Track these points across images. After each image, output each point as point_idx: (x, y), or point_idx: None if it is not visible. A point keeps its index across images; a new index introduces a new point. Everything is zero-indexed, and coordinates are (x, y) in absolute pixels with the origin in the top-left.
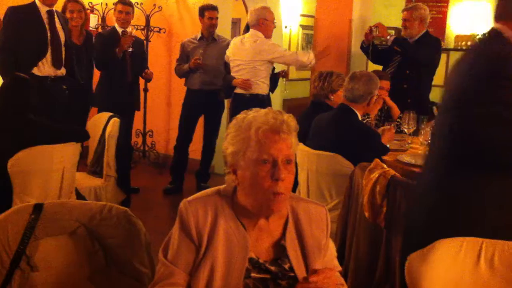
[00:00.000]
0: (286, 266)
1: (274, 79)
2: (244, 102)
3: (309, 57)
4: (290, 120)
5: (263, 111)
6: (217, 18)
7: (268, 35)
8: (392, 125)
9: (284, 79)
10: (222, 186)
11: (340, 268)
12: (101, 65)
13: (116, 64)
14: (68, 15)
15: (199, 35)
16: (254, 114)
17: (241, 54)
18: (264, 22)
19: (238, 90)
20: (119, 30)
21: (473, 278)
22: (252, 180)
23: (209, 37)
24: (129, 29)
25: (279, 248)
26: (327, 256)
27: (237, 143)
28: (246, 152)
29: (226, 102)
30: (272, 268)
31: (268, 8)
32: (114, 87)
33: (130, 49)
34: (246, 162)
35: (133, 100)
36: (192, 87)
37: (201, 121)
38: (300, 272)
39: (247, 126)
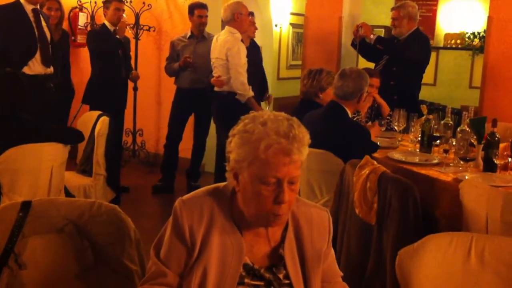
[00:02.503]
0: (281, 275)
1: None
2: (223, 99)
3: (247, 91)
4: (303, 135)
5: (275, 122)
6: (206, 16)
7: (244, 30)
8: (383, 122)
9: (267, 102)
10: (221, 184)
11: (341, 274)
12: (101, 57)
13: (110, 60)
14: (46, 12)
15: (188, 33)
16: (265, 127)
17: (215, 51)
18: (240, 17)
19: (216, 88)
20: (111, 28)
21: (463, 272)
22: (253, 196)
23: (198, 35)
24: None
25: (276, 256)
26: (328, 263)
27: (243, 153)
28: (251, 165)
29: None
30: (267, 275)
31: (241, 2)
32: (107, 84)
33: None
34: (249, 175)
35: (125, 97)
36: (182, 85)
37: (191, 120)
38: (297, 280)
39: (257, 139)
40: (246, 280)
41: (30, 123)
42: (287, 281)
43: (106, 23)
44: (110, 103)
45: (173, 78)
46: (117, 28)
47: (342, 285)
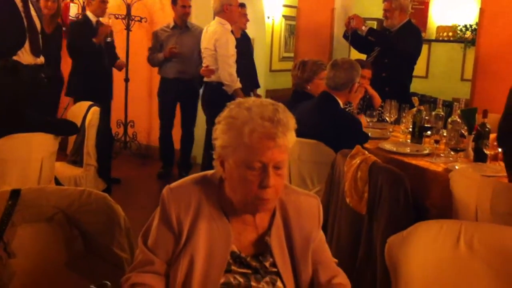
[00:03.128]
0: (267, 263)
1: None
2: (212, 90)
3: (234, 82)
4: (288, 120)
5: (259, 105)
6: (190, 6)
7: (233, 21)
8: (375, 113)
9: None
10: (210, 172)
11: (336, 260)
12: (76, 54)
13: (92, 53)
14: (42, 3)
15: (172, 24)
16: (250, 112)
17: (204, 41)
18: (229, 8)
19: (205, 78)
20: (93, 19)
21: (452, 260)
22: (239, 181)
23: (182, 25)
24: (106, 19)
25: (263, 244)
26: (320, 249)
27: (228, 138)
28: (236, 151)
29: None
30: (253, 263)
31: None
32: (90, 76)
33: (109, 39)
34: (235, 161)
35: (110, 87)
36: (167, 76)
37: (179, 111)
38: (284, 268)
39: (241, 124)
40: (233, 268)
41: (26, 115)
42: (274, 269)
43: (89, 14)
44: (93, 95)
45: None
46: (98, 32)
47: (333, 269)
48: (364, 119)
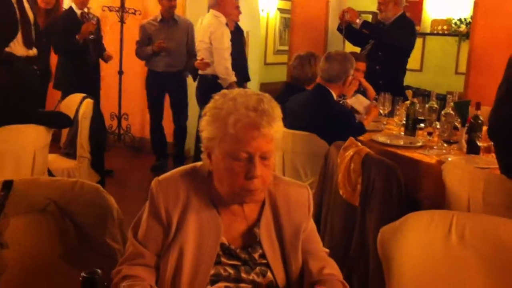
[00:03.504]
0: (257, 255)
1: None
2: (207, 83)
3: (229, 76)
4: (273, 109)
5: (243, 96)
6: None
7: (228, 13)
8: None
9: None
10: (199, 164)
11: (327, 250)
12: (61, 51)
13: (76, 50)
14: None
15: (159, 17)
16: (234, 101)
17: (199, 34)
18: (223, 0)
19: (200, 72)
20: (78, 11)
21: (444, 249)
22: (226, 172)
23: (169, 18)
24: (89, 14)
25: (252, 235)
26: (311, 240)
27: (213, 129)
28: (221, 142)
29: (189, 81)
30: (242, 255)
31: None
32: (76, 69)
33: (92, 37)
34: (221, 152)
35: (97, 80)
36: (155, 69)
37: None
38: (274, 259)
39: (226, 114)
40: (223, 260)
41: (19, 106)
42: (264, 261)
43: (73, 6)
44: (80, 88)
45: None
46: (81, 30)
47: (324, 259)
48: (377, 109)
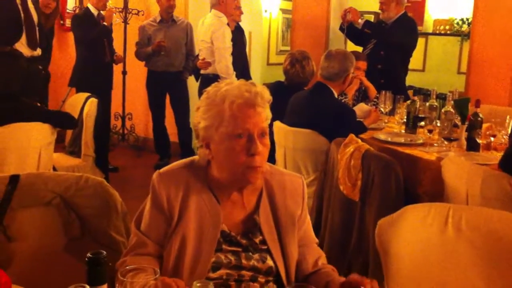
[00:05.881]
0: (257, 240)
1: None
2: (209, 82)
3: (230, 75)
4: (264, 92)
5: (235, 83)
6: None
7: (229, 13)
8: (370, 104)
9: None
10: (196, 157)
11: (317, 240)
12: (88, 42)
13: (94, 46)
14: (42, 0)
15: (158, 18)
16: (227, 87)
17: (200, 34)
18: (224, 0)
19: (202, 71)
20: (95, 12)
21: (440, 242)
22: (227, 154)
23: (168, 19)
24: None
25: (252, 222)
26: (305, 229)
27: (210, 117)
28: (219, 127)
29: (188, 81)
30: (243, 241)
31: None
32: (93, 67)
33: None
34: (220, 137)
35: (111, 79)
36: (154, 69)
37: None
38: (274, 245)
39: (220, 100)
40: (224, 247)
41: (24, 102)
42: (264, 247)
43: (90, 7)
44: (95, 86)
45: None
46: (104, 16)
47: (317, 250)
48: (377, 113)
